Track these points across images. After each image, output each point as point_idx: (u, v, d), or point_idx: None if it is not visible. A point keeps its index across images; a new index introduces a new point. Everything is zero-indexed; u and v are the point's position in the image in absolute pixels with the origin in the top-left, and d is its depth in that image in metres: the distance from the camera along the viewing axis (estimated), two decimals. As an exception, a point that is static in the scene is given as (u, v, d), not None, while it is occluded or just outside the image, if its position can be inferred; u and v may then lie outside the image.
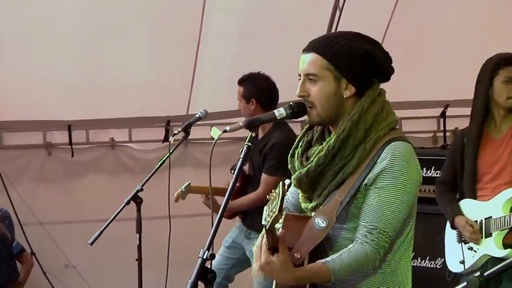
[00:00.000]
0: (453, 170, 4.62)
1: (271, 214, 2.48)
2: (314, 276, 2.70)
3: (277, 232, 2.59)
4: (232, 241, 5.72)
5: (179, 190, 5.46)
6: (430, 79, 7.16)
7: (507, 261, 2.14)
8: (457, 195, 4.67)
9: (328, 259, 2.70)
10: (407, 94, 6.68)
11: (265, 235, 2.63)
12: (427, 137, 7.74)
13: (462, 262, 4.51)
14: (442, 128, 7.69)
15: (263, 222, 2.52)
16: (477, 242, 4.41)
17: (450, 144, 4.79)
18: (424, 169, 5.64)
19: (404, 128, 7.17)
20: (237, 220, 5.80)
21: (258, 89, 5.54)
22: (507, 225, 4.26)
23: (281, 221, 2.48)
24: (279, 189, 2.50)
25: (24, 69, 6.27)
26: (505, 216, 4.28)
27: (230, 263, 5.72)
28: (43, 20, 6.08)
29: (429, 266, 5.69)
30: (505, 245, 4.32)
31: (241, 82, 5.62)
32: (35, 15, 6.05)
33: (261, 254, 2.66)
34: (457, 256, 4.57)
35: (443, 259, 5.28)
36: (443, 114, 7.68)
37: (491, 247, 4.35)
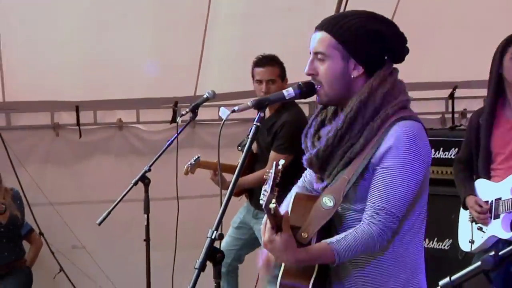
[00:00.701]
0: (469, 149, 4.60)
1: (265, 194, 2.47)
2: (317, 257, 2.69)
3: (278, 211, 2.58)
4: (241, 222, 5.73)
5: (189, 163, 5.47)
6: (438, 60, 7.14)
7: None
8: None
9: (333, 239, 2.68)
10: (416, 76, 6.64)
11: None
12: (436, 118, 7.72)
13: (471, 241, 4.51)
14: (450, 110, 7.66)
15: (260, 202, 2.51)
16: (484, 222, 4.40)
17: (468, 123, 4.77)
18: (433, 150, 5.61)
19: (413, 109, 7.14)
20: (244, 200, 5.81)
21: (285, 69, 5.53)
22: None
23: (274, 201, 2.47)
24: (273, 169, 2.49)
25: (32, 50, 6.27)
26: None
27: (239, 243, 5.73)
28: (50, 1, 6.07)
29: (437, 247, 5.67)
30: None
31: (271, 61, 5.52)
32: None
33: (265, 232, 2.66)
34: (467, 235, 4.56)
35: (451, 240, 5.28)
36: (451, 96, 7.64)
37: (498, 228, 4.34)
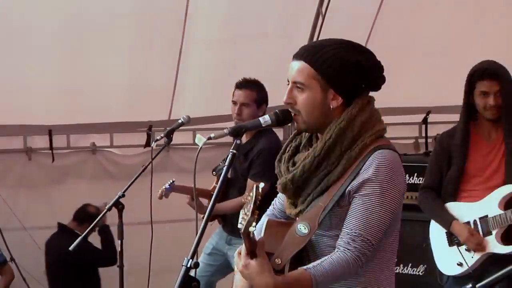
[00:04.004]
0: (440, 174, 4.68)
1: (245, 218, 2.46)
2: (295, 282, 2.66)
3: (254, 236, 2.57)
4: (213, 248, 5.67)
5: (164, 187, 5.41)
6: (412, 86, 7.19)
7: (501, 272, 2.15)
8: None
9: (310, 266, 2.67)
10: (389, 100, 6.69)
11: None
12: (409, 143, 7.77)
13: (460, 264, 4.54)
14: (423, 135, 7.72)
15: (239, 226, 2.50)
16: (482, 249, 4.45)
17: (435, 147, 4.84)
18: (407, 175, 5.64)
19: (386, 134, 7.17)
20: (216, 226, 5.76)
21: (267, 96, 5.43)
22: (508, 222, 4.36)
23: (254, 224, 2.46)
24: (253, 192, 2.48)
25: (4, 73, 6.22)
26: (505, 213, 4.37)
27: (212, 270, 5.68)
28: (24, 25, 6.04)
29: (411, 273, 5.69)
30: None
31: (250, 85, 5.38)
32: (15, 20, 6.01)
33: (241, 259, 2.65)
34: (452, 259, 4.59)
35: (425, 266, 5.30)
36: (425, 121, 7.71)
37: (494, 245, 4.42)
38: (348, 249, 2.68)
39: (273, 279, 2.62)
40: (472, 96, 4.48)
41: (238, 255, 2.69)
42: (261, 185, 2.53)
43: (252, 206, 2.45)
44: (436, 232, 4.70)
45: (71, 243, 4.60)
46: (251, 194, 2.50)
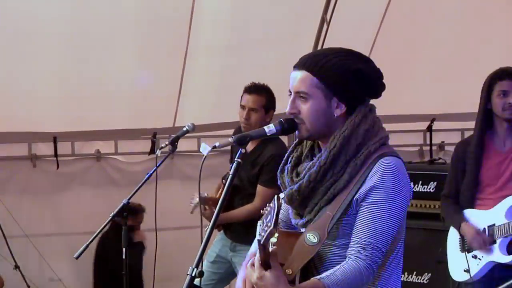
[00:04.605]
0: (456, 182, 4.69)
1: (266, 229, 2.45)
2: None
3: (270, 247, 2.57)
4: (216, 256, 5.63)
5: (196, 202, 5.37)
6: (416, 93, 7.19)
7: (509, 282, 2.13)
8: None
9: (323, 275, 2.67)
10: (394, 108, 6.70)
11: (257, 251, 2.60)
12: (414, 150, 7.76)
13: (467, 271, 4.55)
14: (428, 142, 7.72)
15: (258, 237, 2.49)
16: (486, 249, 4.46)
17: (452, 155, 4.85)
18: (412, 183, 5.61)
19: (390, 142, 7.15)
20: (216, 232, 5.73)
21: (275, 102, 5.37)
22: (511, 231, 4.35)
23: (276, 235, 2.46)
24: (274, 203, 2.48)
25: (9, 80, 6.23)
26: (509, 222, 4.37)
27: (216, 278, 5.65)
28: (28, 31, 6.05)
29: (416, 281, 5.68)
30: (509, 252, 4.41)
31: (260, 90, 5.36)
32: (20, 26, 6.02)
33: (254, 270, 2.63)
34: (460, 264, 4.62)
35: (430, 274, 5.29)
36: (429, 128, 7.70)
37: (497, 253, 4.43)
38: (359, 258, 2.69)
39: None
40: (490, 101, 4.51)
41: (251, 267, 2.67)
42: (281, 195, 2.53)
43: (274, 217, 2.45)
44: (453, 238, 4.72)
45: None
46: (271, 205, 2.49)
